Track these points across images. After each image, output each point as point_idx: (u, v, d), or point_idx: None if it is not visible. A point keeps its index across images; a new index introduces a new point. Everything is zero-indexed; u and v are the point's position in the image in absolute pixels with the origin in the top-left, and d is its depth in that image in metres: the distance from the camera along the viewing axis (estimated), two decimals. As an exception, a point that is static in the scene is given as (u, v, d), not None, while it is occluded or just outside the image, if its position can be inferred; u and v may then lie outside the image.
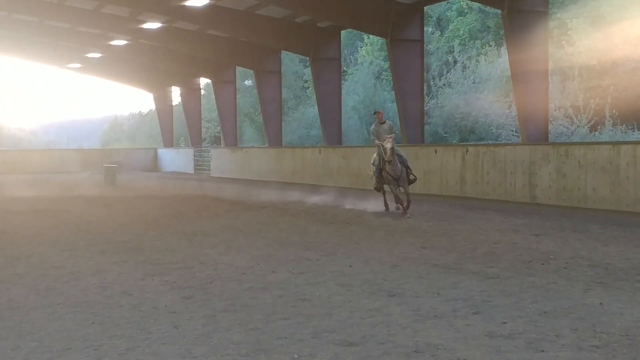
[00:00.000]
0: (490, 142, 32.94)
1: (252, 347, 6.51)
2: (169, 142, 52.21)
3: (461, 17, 42.40)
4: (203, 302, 8.31)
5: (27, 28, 41.19)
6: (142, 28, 35.32)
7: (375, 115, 18.41)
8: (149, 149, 54.43)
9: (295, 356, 6.25)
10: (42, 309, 8.01)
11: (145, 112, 78.83)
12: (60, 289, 9.07)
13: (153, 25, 34.81)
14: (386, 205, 18.41)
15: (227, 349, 6.46)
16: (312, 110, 44.65)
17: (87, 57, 46.38)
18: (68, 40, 43.10)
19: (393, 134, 17.14)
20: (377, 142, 17.39)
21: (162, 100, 52.62)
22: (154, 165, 50.54)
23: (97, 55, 45.35)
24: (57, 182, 34.04)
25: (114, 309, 8.00)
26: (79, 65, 50.32)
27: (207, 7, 30.41)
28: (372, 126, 18.01)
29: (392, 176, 17.13)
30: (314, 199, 22.48)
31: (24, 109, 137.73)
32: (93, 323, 7.35)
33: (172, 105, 52.92)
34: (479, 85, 37.39)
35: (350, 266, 10.54)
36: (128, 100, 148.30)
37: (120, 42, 40.36)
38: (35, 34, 42.30)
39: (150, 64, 46.25)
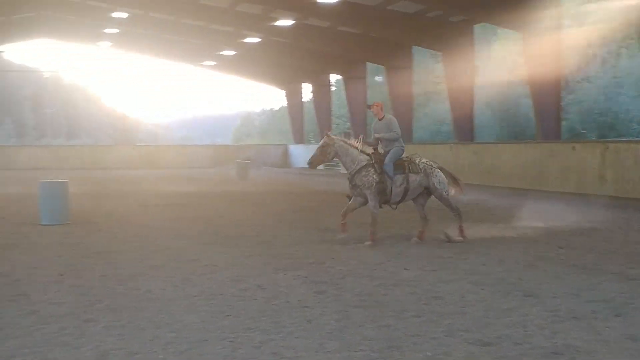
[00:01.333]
0: (632, 138, 31.69)
1: (385, 344, 6.46)
2: (299, 138, 52.78)
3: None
4: (335, 297, 8.31)
5: (163, 27, 42.56)
6: (274, 25, 35.82)
7: (370, 109, 13.46)
8: (279, 145, 55.17)
9: (429, 354, 6.16)
10: (178, 300, 8.20)
11: (277, 109, 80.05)
12: (196, 282, 9.26)
13: (285, 22, 35.24)
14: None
15: (359, 345, 6.43)
16: (442, 106, 44.19)
17: (220, 54, 47.43)
18: (202, 38, 44.24)
19: (388, 134, 12.92)
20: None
21: (293, 96, 53.23)
22: (285, 161, 51.19)
23: (231, 52, 46.31)
24: (190, 177, 34.97)
25: (248, 302, 8.11)
26: (213, 63, 51.57)
27: (339, 4, 30.52)
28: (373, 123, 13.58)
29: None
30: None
31: (160, 105, 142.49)
32: (229, 315, 7.47)
33: (302, 102, 53.46)
34: (620, 80, 36.04)
35: (483, 265, 10.34)
36: (260, 97, 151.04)
37: (253, 40, 41.07)
38: (170, 32, 43.65)
39: (281, 61, 46.87)
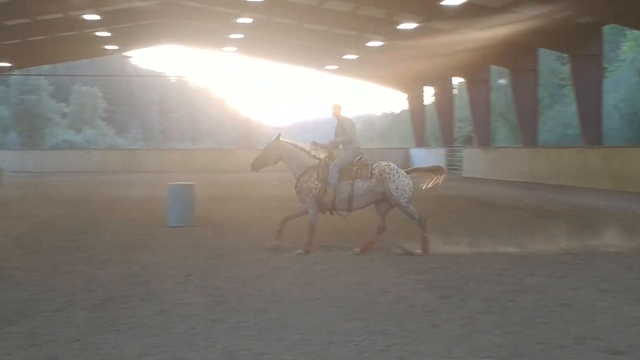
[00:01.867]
0: None
1: (512, 351, 6.34)
2: (420, 142, 52.42)
3: None
4: (460, 303, 8.19)
5: (287, 31, 43.10)
6: (397, 29, 35.69)
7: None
8: (400, 148, 54.95)
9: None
10: (303, 302, 8.24)
11: (397, 112, 79.79)
12: (320, 284, 9.29)
13: (409, 25, 35.06)
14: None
15: (486, 351, 6.32)
16: (569, 109, 42.99)
17: (343, 58, 47.64)
18: (325, 43, 44.55)
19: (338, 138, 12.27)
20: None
21: (415, 100, 52.91)
22: (406, 164, 50.84)
23: (353, 56, 46.44)
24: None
25: (372, 305, 8.07)
26: (335, 67, 51.85)
27: (463, 6, 30.11)
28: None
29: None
30: (570, 200, 21.59)
31: (281, 109, 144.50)
32: (353, 318, 7.45)
33: (424, 105, 53.06)
34: None
35: (613, 272, 9.99)
36: (381, 100, 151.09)
37: (375, 43, 41.04)
38: (294, 37, 44.16)
39: (404, 64, 46.66)
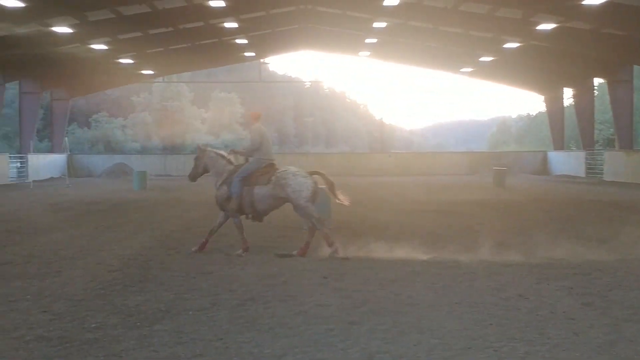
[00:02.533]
0: None
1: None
2: (559, 145, 51.07)
3: None
4: (603, 310, 7.96)
5: (422, 35, 42.89)
6: (535, 29, 34.93)
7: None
8: (538, 151, 53.73)
9: None
10: (440, 307, 8.20)
11: (534, 115, 78.02)
12: (457, 289, 9.23)
13: (547, 26, 34.25)
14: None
15: (632, 361, 6.13)
16: None
17: (479, 61, 47.01)
18: (461, 45, 44.06)
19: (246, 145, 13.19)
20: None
21: (553, 102, 51.58)
22: (544, 168, 49.73)
23: (489, 58, 45.75)
24: (445, 184, 34.94)
25: (510, 311, 7.96)
26: (470, 69, 51.23)
27: (604, 5, 29.14)
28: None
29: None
30: None
31: (415, 113, 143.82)
32: (491, 324, 7.37)
33: (563, 107, 51.66)
34: None
35: None
36: (516, 103, 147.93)
37: (512, 45, 40.30)
38: (429, 40, 43.90)
39: (541, 66, 45.60)
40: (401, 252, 12.09)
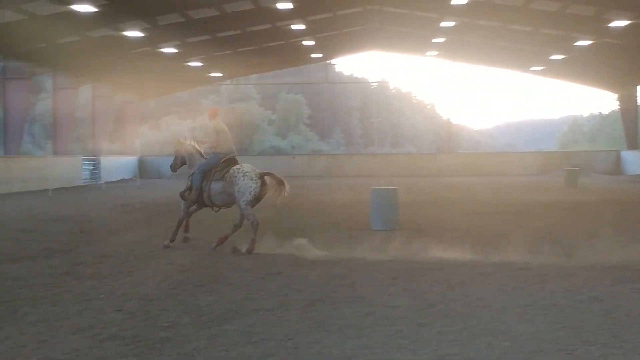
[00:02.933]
0: None
1: None
2: (632, 144, 49.93)
3: None
4: (682, 314, 7.76)
5: (490, 33, 42.42)
6: (607, 27, 34.24)
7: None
8: (610, 151, 52.65)
9: None
10: (511, 309, 8.10)
11: (606, 113, 76.48)
12: (528, 291, 9.10)
13: (620, 23, 33.54)
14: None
15: None
16: None
17: (549, 59, 46.27)
18: (531, 44, 43.46)
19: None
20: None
21: (626, 100, 50.47)
22: (617, 168, 48.69)
23: (560, 56, 45.00)
24: (515, 185, 34.49)
25: (584, 314, 7.81)
26: (540, 68, 50.47)
27: (679, 0, 28.43)
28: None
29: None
30: None
31: (483, 112, 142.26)
32: (564, 327, 7.25)
33: (637, 105, 50.49)
34: None
35: None
36: (588, 101, 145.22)
37: (584, 43, 39.56)
38: (497, 38, 43.39)
39: (614, 63, 44.65)
40: (470, 254, 11.98)
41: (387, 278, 10.01)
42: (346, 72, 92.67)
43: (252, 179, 12.94)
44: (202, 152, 13.91)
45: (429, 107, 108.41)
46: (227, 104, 75.41)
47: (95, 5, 27.92)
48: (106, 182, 38.99)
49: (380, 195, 16.49)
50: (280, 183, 13.08)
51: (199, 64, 45.99)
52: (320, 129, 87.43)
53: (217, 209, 13.67)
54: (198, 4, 32.78)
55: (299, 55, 51.17)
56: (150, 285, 9.68)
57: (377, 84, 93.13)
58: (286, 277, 10.23)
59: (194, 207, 13.77)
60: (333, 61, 62.67)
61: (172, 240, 13.37)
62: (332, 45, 49.54)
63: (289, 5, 33.26)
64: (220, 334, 7.17)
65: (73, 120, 43.23)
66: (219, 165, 13.37)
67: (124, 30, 33.84)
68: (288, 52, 49.13)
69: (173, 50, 39.73)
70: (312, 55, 51.38)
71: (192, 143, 14.11)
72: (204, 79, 53.22)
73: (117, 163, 46.44)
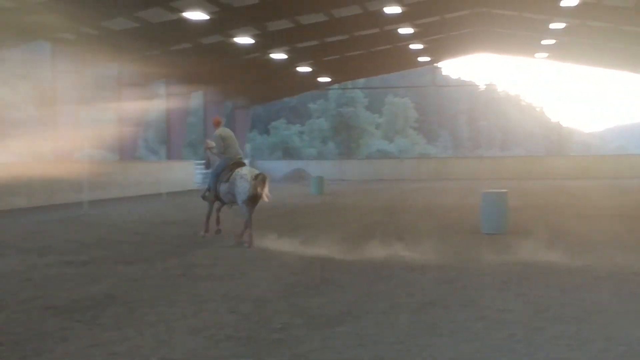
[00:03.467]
0: None
1: None
2: None
3: None
4: None
5: (601, 34, 41.34)
6: None
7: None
8: None
9: None
10: (627, 314, 7.93)
11: None
12: (645, 296, 8.88)
13: None
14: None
15: None
16: None
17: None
18: (644, 44, 42.20)
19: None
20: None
21: None
22: None
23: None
24: (627, 188, 33.51)
25: None
26: (656, 69, 48.89)
27: None
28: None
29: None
30: None
31: (593, 114, 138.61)
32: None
33: None
34: None
35: None
36: None
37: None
38: (609, 39, 42.24)
39: None
40: (582, 258, 11.74)
41: (499, 282, 9.92)
42: (453, 75, 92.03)
43: (247, 181, 14.19)
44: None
45: (538, 109, 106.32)
46: (335, 108, 75.93)
47: (207, 13, 28.61)
48: (217, 186, 39.76)
49: (490, 198, 16.33)
50: (261, 187, 14.23)
51: (308, 69, 46.48)
52: (427, 132, 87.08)
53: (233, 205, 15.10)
54: (307, 10, 33.16)
55: (406, 59, 51.10)
56: (263, 287, 9.86)
57: (484, 86, 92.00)
58: (397, 280, 10.26)
59: (218, 203, 15.32)
60: (440, 64, 62.27)
61: (206, 231, 15.32)
62: (440, 48, 49.29)
63: (397, 10, 33.29)
64: (332, 336, 7.25)
65: (185, 125, 44.37)
66: (227, 168, 14.74)
67: (234, 37, 34.54)
68: (395, 56, 49.13)
69: (282, 55, 40.29)
70: (420, 59, 51.23)
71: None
72: (312, 83, 53.74)
73: (227, 167, 47.30)
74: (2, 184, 23.98)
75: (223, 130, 15.21)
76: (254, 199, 14.23)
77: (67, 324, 7.73)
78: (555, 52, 48.86)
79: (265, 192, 14.14)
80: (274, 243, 14.28)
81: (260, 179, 14.13)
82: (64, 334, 7.32)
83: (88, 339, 7.14)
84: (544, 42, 45.13)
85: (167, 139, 43.69)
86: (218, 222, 15.45)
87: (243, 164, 14.97)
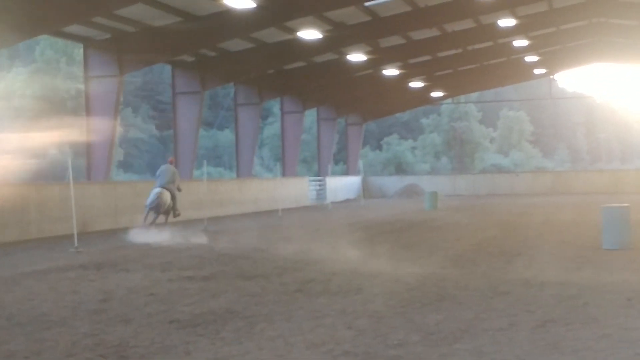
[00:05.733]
0: None
1: None
2: None
3: None
4: None
5: None
6: None
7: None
8: None
9: None
10: None
11: None
12: None
13: None
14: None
15: None
16: None
17: None
18: None
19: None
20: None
21: None
22: None
23: None
24: None
25: None
26: None
27: None
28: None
29: None
30: None
31: None
32: None
33: None
34: None
35: None
36: None
37: None
38: None
39: None
40: None
41: (622, 299, 9.63)
42: (569, 88, 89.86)
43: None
44: None
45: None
46: (447, 123, 75.37)
47: (321, 31, 28.96)
48: (332, 202, 40.10)
49: (612, 213, 15.87)
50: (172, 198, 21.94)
51: (420, 84, 46.36)
52: (543, 145, 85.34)
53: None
54: (420, 26, 33.13)
55: (520, 72, 50.32)
56: (378, 302, 9.87)
57: (603, 98, 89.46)
58: (515, 296, 10.09)
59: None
60: (556, 76, 60.90)
61: None
62: (556, 59, 48.30)
63: (511, 22, 32.87)
64: (450, 353, 7.19)
65: (299, 142, 44.95)
66: None
67: (347, 54, 34.81)
68: (509, 69, 48.44)
69: (395, 71, 40.32)
70: (535, 71, 50.34)
71: None
72: (424, 98, 53.56)
73: (341, 183, 47.69)
74: (127, 202, 24.89)
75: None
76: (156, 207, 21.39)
77: (190, 338, 7.94)
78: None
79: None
80: (388, 259, 14.27)
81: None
82: (187, 348, 7.52)
83: (210, 353, 7.31)
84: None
85: (282, 156, 44.34)
86: None
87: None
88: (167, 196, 21.27)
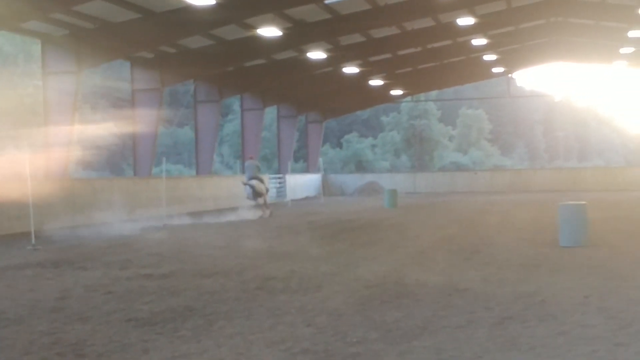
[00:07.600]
0: None
1: None
2: None
3: None
4: None
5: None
6: None
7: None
8: None
9: None
10: None
11: None
12: None
13: None
14: None
15: None
16: None
17: None
18: None
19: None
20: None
21: None
22: None
23: None
24: None
25: None
26: None
27: None
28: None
29: None
30: None
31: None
32: None
33: None
34: None
35: None
36: None
37: None
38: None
39: None
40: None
41: (579, 296, 9.72)
42: (527, 86, 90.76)
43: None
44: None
45: (616, 119, 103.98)
46: (407, 121, 75.68)
47: (281, 29, 28.89)
48: (292, 200, 40.08)
49: (568, 210, 16.03)
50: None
51: (380, 82, 46.48)
52: (502, 143, 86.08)
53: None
54: (379, 24, 33.22)
55: (479, 70, 50.69)
56: (338, 300, 9.87)
57: (561, 97, 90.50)
58: (473, 294, 10.14)
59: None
60: (514, 75, 61.49)
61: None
62: (514, 58, 48.76)
63: (470, 21, 33.09)
64: (409, 350, 7.20)
65: (260, 140, 44.84)
66: None
67: (307, 52, 34.79)
68: (469, 67, 48.79)
69: (355, 69, 40.38)
70: (494, 70, 50.76)
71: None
72: (384, 96, 53.73)
73: (301, 181, 47.67)
74: (86, 199, 24.62)
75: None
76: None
77: (148, 336, 7.87)
78: (635, 60, 47.79)
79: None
80: (348, 256, 14.28)
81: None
82: (145, 346, 7.45)
83: (168, 351, 7.25)
84: (623, 50, 44.21)
85: (242, 154, 44.20)
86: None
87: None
88: (260, 186, 27.19)
